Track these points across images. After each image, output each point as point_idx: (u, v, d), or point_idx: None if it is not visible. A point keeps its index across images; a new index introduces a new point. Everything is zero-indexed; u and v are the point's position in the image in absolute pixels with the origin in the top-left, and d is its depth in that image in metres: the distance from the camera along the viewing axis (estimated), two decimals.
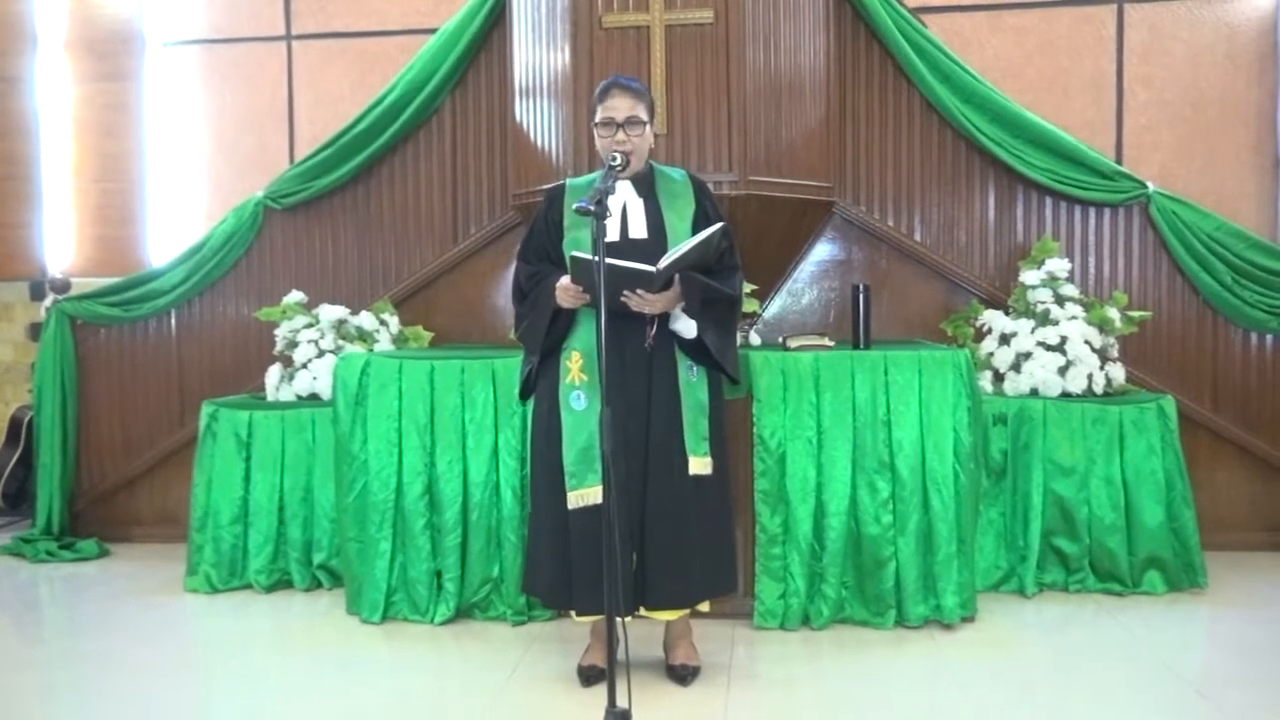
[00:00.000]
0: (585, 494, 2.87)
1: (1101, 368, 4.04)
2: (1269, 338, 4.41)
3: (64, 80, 5.47)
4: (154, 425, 4.86)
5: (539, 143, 4.15)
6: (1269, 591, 3.83)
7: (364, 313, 4.51)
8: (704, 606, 3.03)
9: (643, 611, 2.94)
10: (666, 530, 2.88)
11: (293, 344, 4.38)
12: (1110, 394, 4.05)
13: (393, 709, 2.86)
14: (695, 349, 2.92)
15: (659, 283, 2.75)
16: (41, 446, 4.73)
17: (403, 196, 4.77)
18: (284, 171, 4.82)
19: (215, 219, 4.92)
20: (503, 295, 4.70)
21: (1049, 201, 4.50)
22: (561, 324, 2.94)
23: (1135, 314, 4.20)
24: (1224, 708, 2.76)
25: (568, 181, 3.10)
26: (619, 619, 2.56)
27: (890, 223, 4.55)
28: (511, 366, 3.49)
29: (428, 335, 4.64)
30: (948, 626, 3.44)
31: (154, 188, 5.43)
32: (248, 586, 4.05)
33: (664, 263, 2.73)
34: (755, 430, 3.48)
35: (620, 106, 2.89)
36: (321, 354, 4.32)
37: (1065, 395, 3.97)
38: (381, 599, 3.61)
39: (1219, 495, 4.38)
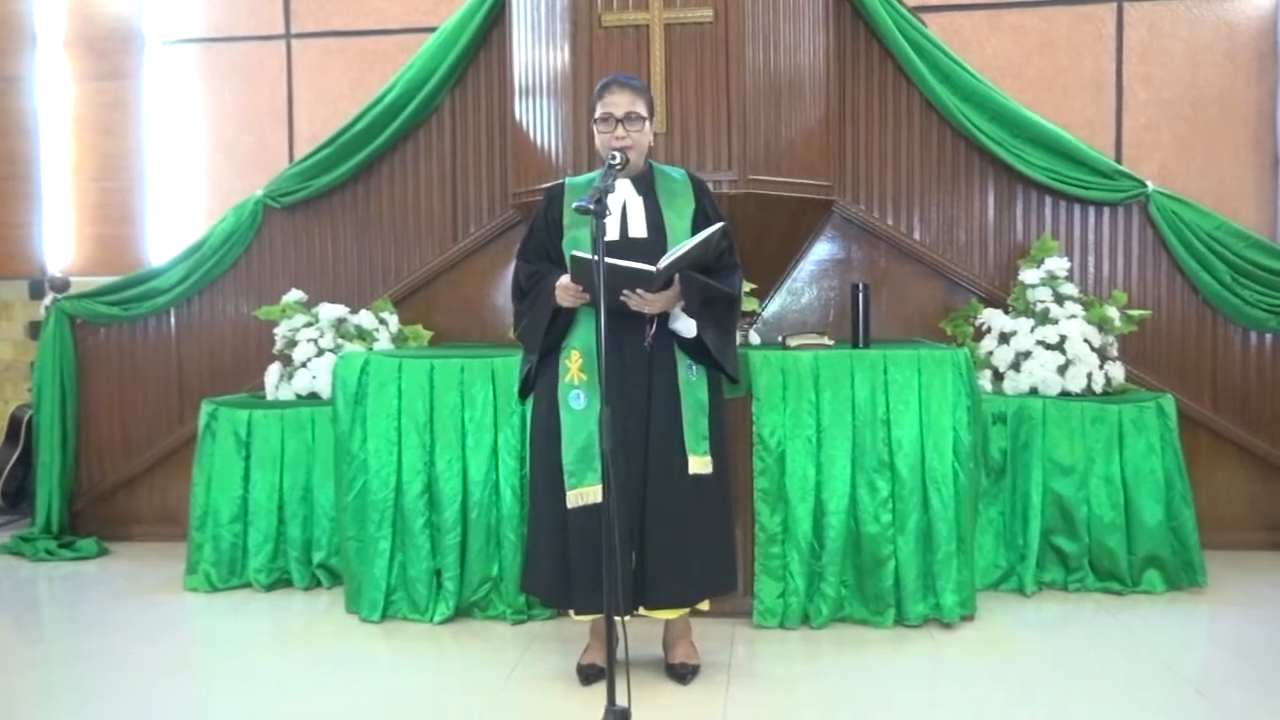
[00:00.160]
0: (584, 493, 2.87)
1: (1101, 367, 4.04)
2: (1268, 337, 4.41)
3: (63, 79, 5.47)
4: (153, 424, 4.86)
5: (538, 142, 4.14)
6: (1268, 590, 3.83)
7: (363, 311, 4.51)
8: (704, 605, 3.03)
9: (642, 611, 2.94)
10: (666, 529, 2.88)
11: (292, 343, 4.38)
12: (1110, 393, 4.05)
13: (392, 708, 2.86)
14: (695, 348, 2.92)
15: (659, 282, 2.75)
16: (41, 445, 4.73)
17: (402, 195, 4.77)
18: (283, 170, 4.82)
19: (214, 218, 4.92)
20: (502, 294, 4.70)
21: (1048, 200, 4.50)
22: (561, 323, 2.94)
23: (1135, 313, 4.20)
24: (1223, 707, 2.76)
25: (567, 180, 3.10)
26: (618, 618, 2.56)
27: (890, 222, 4.55)
28: (511, 365, 3.50)
29: (427, 334, 4.64)
30: (947, 625, 3.44)
31: (153, 187, 5.43)
32: (247, 585, 4.05)
33: (664, 262, 2.73)
34: (755, 429, 3.48)
35: (620, 102, 2.89)
36: (321, 353, 4.32)
37: (1065, 394, 3.98)
38: (381, 598, 3.61)
39: (1218, 494, 4.39)
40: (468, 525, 3.59)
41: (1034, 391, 4.00)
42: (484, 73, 4.65)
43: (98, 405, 4.86)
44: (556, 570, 2.93)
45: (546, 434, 2.97)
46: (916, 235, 4.56)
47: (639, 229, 2.93)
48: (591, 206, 2.50)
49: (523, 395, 3.14)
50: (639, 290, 2.75)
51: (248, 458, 4.09)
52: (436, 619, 3.57)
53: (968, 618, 3.50)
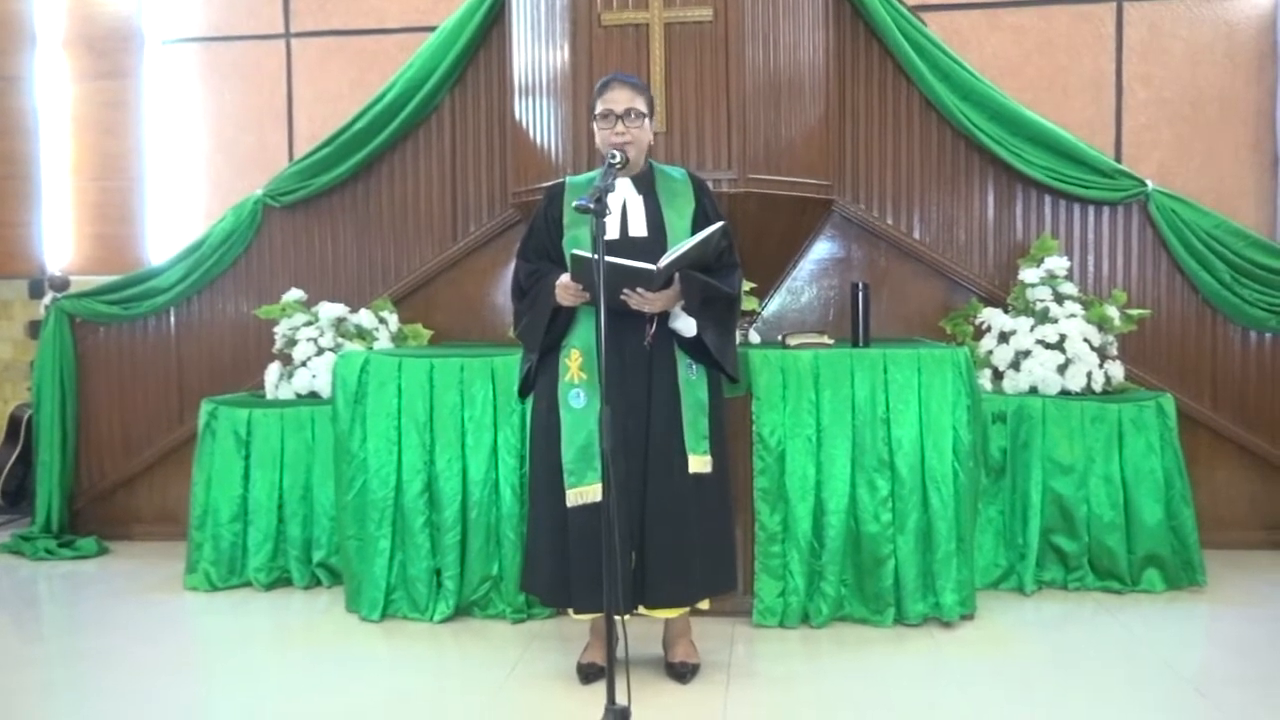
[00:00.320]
0: (584, 492, 2.87)
1: (1100, 366, 4.04)
2: (1268, 336, 4.41)
3: (63, 78, 5.47)
4: (153, 423, 4.85)
5: (538, 141, 4.14)
6: (1268, 590, 3.83)
7: (363, 311, 4.51)
8: (703, 604, 3.04)
9: (642, 610, 2.94)
10: (666, 528, 2.88)
11: (292, 342, 4.38)
12: (1109, 392, 4.05)
13: (392, 707, 2.86)
14: (695, 347, 2.92)
15: (659, 281, 2.75)
16: (41, 444, 4.73)
17: (402, 194, 4.77)
18: (283, 169, 4.82)
19: (214, 217, 4.92)
20: (502, 293, 4.70)
21: (1048, 200, 4.50)
22: (561, 322, 2.94)
23: (1134, 312, 4.20)
24: (1223, 706, 2.76)
25: (567, 179, 3.10)
26: (618, 617, 2.56)
27: (889, 221, 4.55)
28: (511, 364, 3.50)
29: (427, 333, 4.64)
30: (947, 624, 3.44)
31: (153, 186, 5.43)
32: (247, 584, 4.05)
33: (664, 261, 2.73)
34: (754, 428, 3.48)
35: (620, 98, 2.89)
36: (321, 352, 4.32)
37: (1064, 393, 3.98)
38: (381, 597, 3.61)
39: (1218, 493, 4.39)
40: (467, 524, 3.59)
41: (1034, 390, 4.00)
42: (484, 72, 4.65)
43: (97, 404, 4.86)
44: (556, 569, 2.93)
45: (546, 433, 2.97)
46: (916, 234, 4.56)
47: (639, 228, 2.93)
48: (591, 205, 2.50)
49: (523, 394, 3.14)
50: (639, 289, 2.75)
51: (247, 457, 4.09)
52: (436, 618, 3.57)
53: (967, 617, 3.50)
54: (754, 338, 4.24)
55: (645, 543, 2.89)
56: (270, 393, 4.37)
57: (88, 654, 3.33)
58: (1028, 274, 4.23)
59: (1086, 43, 4.78)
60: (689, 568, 2.91)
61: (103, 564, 4.51)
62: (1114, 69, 4.78)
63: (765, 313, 4.60)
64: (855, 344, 3.73)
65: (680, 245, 2.78)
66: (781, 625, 3.46)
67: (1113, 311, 4.11)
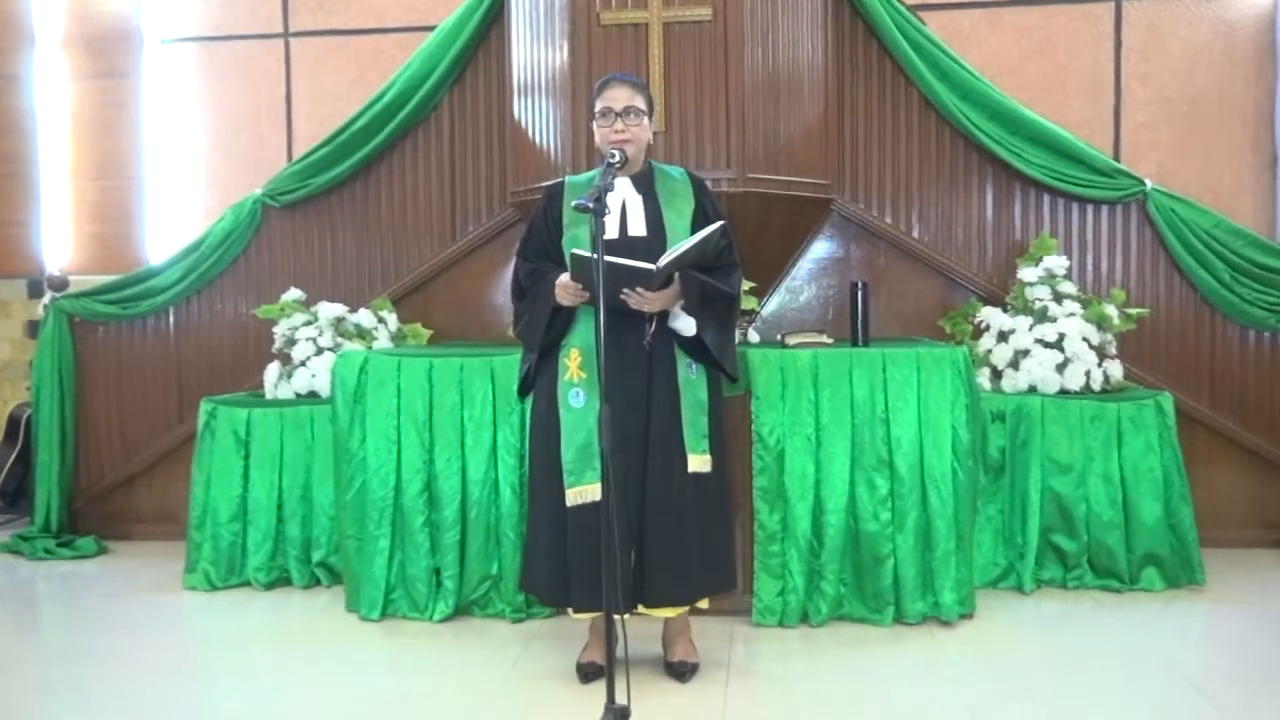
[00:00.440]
0: (584, 491, 2.88)
1: (1099, 365, 4.04)
2: (1267, 335, 4.41)
3: (61, 77, 5.47)
4: (152, 423, 4.85)
5: (537, 140, 4.14)
6: (1267, 588, 3.83)
7: (362, 310, 4.51)
8: (703, 603, 3.04)
9: (641, 609, 2.94)
10: (665, 528, 2.88)
11: (291, 341, 4.38)
12: (1108, 391, 4.05)
13: (392, 706, 2.86)
14: (694, 347, 2.93)
15: (658, 280, 2.75)
16: (40, 444, 4.72)
17: (401, 194, 4.77)
18: (282, 169, 4.82)
19: (213, 217, 4.91)
20: (501, 293, 4.70)
21: (1047, 199, 4.50)
22: (560, 321, 2.94)
23: (1133, 311, 4.20)
24: (1222, 704, 2.76)
25: (567, 179, 3.10)
26: (617, 616, 2.56)
27: (888, 220, 4.55)
28: (510, 364, 3.50)
29: (426, 333, 4.64)
30: (946, 623, 3.44)
31: (152, 185, 5.43)
32: (246, 584, 4.05)
33: (664, 260, 2.73)
34: (754, 428, 3.48)
35: (619, 96, 2.90)
36: (320, 351, 4.32)
37: (1063, 392, 3.98)
38: (380, 596, 3.61)
39: (1217, 492, 4.39)
40: (467, 524, 3.59)
41: (1032, 389, 4.00)
42: (483, 71, 4.64)
43: (96, 404, 4.85)
44: (556, 568, 2.94)
45: (546, 432, 2.97)
46: (915, 233, 4.56)
47: (638, 227, 2.93)
48: (591, 205, 2.50)
49: (522, 394, 3.14)
50: (638, 289, 2.75)
51: (247, 456, 4.09)
52: (436, 617, 3.57)
53: (967, 616, 3.50)
54: (753, 337, 4.24)
55: (644, 542, 2.89)
56: (269, 392, 4.37)
57: (87, 653, 3.33)
58: (1026, 273, 4.23)
59: (1086, 42, 4.78)
60: (688, 567, 2.91)
61: (102, 564, 4.51)
62: (1113, 68, 4.78)
63: (764, 312, 4.60)
64: (854, 343, 3.73)
65: (680, 244, 2.78)
66: (781, 624, 3.46)
67: (1111, 310, 4.11)
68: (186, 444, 4.54)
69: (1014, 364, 4.06)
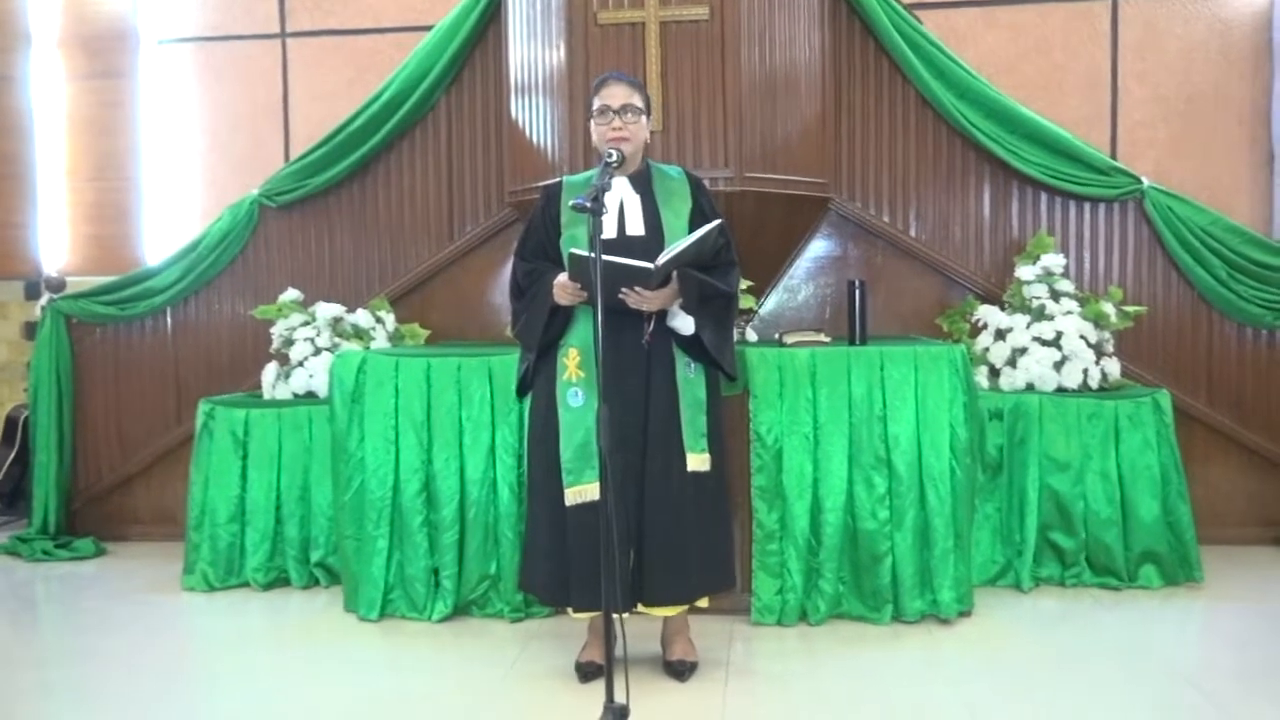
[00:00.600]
0: (582, 490, 2.88)
1: (1097, 363, 4.05)
2: (1264, 332, 4.42)
3: (58, 78, 5.46)
4: (150, 424, 4.85)
5: (535, 140, 4.14)
6: (1264, 585, 3.84)
7: (360, 310, 4.51)
8: (702, 602, 3.04)
9: (640, 608, 2.95)
10: (664, 527, 2.89)
11: (289, 342, 4.37)
12: (1105, 389, 4.06)
13: (391, 706, 2.86)
14: (693, 346, 2.93)
15: (657, 279, 2.75)
16: (37, 445, 4.72)
17: (398, 194, 4.77)
18: (279, 169, 4.81)
19: (210, 217, 4.91)
20: (499, 292, 4.69)
21: (1044, 197, 4.51)
22: (559, 321, 2.94)
23: (1130, 309, 4.20)
24: (1220, 701, 2.76)
25: (564, 179, 3.10)
26: (616, 615, 2.56)
27: (886, 219, 4.56)
28: (508, 364, 3.50)
29: (424, 333, 4.64)
30: (944, 621, 3.45)
31: (149, 186, 5.42)
32: (245, 585, 4.05)
33: (662, 259, 2.73)
34: (752, 426, 3.48)
35: (616, 94, 2.90)
36: (318, 352, 4.32)
37: (1061, 390, 3.98)
38: (379, 596, 3.61)
39: (1214, 490, 4.39)
40: (465, 523, 3.59)
41: (1030, 388, 4.00)
42: (480, 71, 4.64)
43: (94, 405, 4.85)
44: (554, 568, 2.94)
45: (544, 432, 2.97)
46: (913, 232, 4.56)
47: (636, 227, 2.93)
48: (588, 204, 2.51)
49: (521, 393, 3.14)
50: (637, 288, 2.75)
51: (245, 457, 4.09)
52: (435, 617, 3.57)
53: (965, 614, 3.50)
54: (751, 336, 4.24)
55: (644, 541, 2.89)
56: (267, 393, 4.37)
57: (85, 655, 3.33)
58: (1024, 271, 4.24)
59: (1082, 40, 4.78)
60: (687, 566, 2.92)
61: (100, 565, 4.50)
62: (1110, 67, 4.78)
63: (762, 311, 4.60)
64: (852, 342, 3.73)
65: (678, 243, 2.79)
66: (779, 623, 3.46)
67: (1109, 308, 4.12)
68: (184, 445, 4.54)
69: (1011, 362, 4.07)
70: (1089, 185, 4.40)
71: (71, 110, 5.46)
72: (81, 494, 4.85)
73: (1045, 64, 4.79)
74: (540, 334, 2.94)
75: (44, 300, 4.81)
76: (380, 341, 4.45)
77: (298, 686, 3.03)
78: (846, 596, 3.51)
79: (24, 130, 5.48)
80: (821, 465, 3.47)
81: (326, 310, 4.42)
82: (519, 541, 3.49)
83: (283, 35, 5.24)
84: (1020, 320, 4.11)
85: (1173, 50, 4.75)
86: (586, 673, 2.98)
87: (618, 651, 2.56)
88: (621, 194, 2.94)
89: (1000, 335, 4.14)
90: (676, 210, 2.97)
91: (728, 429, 3.15)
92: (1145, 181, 4.39)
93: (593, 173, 2.98)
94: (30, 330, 5.28)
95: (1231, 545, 4.30)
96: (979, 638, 3.34)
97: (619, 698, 2.42)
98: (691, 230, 2.90)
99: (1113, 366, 4.10)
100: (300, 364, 4.31)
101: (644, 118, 2.96)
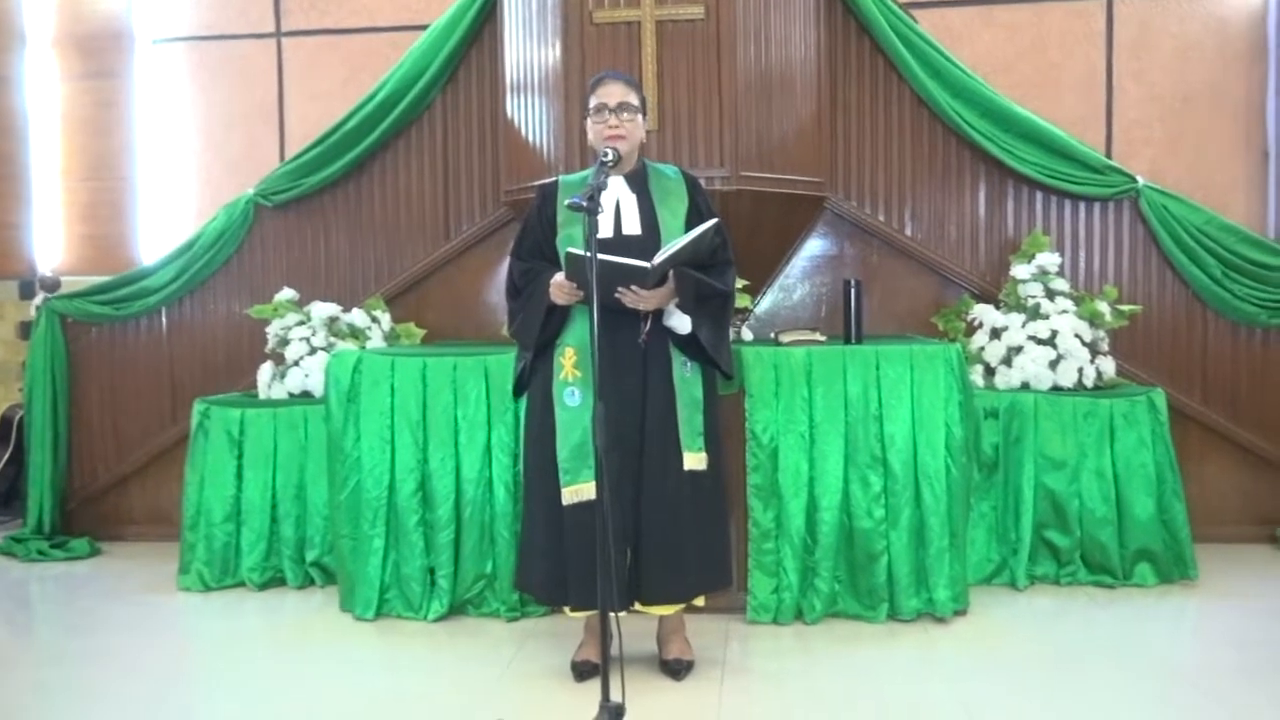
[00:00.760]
0: (579, 489, 2.88)
1: (1092, 361, 4.05)
2: (1258, 331, 4.42)
3: (52, 78, 5.45)
4: (146, 424, 4.84)
5: (530, 139, 4.14)
6: (1259, 583, 3.85)
7: (356, 310, 4.50)
8: (698, 601, 3.04)
9: (638, 606, 2.95)
10: (662, 525, 2.89)
11: (284, 341, 4.37)
12: (1101, 387, 4.06)
13: (387, 706, 2.86)
14: (689, 345, 2.93)
15: (653, 278, 2.75)
16: (32, 445, 4.71)
17: (394, 193, 4.76)
18: (274, 169, 4.81)
19: (206, 216, 4.91)
20: (494, 292, 4.69)
21: (1039, 196, 4.51)
22: (555, 320, 2.94)
23: (1125, 308, 4.21)
24: (1215, 699, 2.77)
25: (560, 178, 3.10)
26: (613, 614, 2.56)
27: (881, 218, 4.56)
28: (504, 363, 3.50)
29: (420, 332, 4.64)
30: (940, 620, 3.45)
31: (144, 185, 5.42)
32: (240, 585, 4.05)
33: (658, 258, 2.73)
34: (748, 425, 3.48)
35: (613, 92, 2.90)
36: (313, 351, 4.31)
37: (1056, 389, 3.99)
38: (375, 596, 3.61)
39: (1209, 488, 4.40)
40: (461, 523, 3.59)
41: (1025, 386, 4.01)
42: (476, 70, 4.64)
43: (89, 405, 4.84)
44: (552, 567, 2.94)
45: (541, 431, 2.97)
46: (908, 231, 4.57)
47: (633, 226, 2.93)
48: (584, 203, 2.51)
49: (517, 393, 3.14)
50: (633, 287, 2.75)
51: (240, 457, 4.09)
52: (431, 617, 3.57)
53: (960, 612, 3.51)
54: (747, 335, 4.24)
55: (641, 540, 2.89)
56: (263, 392, 4.36)
57: (81, 655, 3.32)
58: (1019, 270, 4.24)
59: (1078, 40, 4.79)
60: (684, 564, 2.92)
61: (95, 565, 4.50)
62: (1105, 66, 4.79)
63: (758, 310, 4.60)
64: (848, 341, 3.74)
65: (674, 243, 2.79)
66: (775, 622, 3.46)
67: (1104, 307, 4.12)
68: (180, 444, 4.54)
69: (1007, 361, 4.07)
70: (1084, 184, 4.41)
71: (66, 110, 5.45)
72: (77, 494, 4.84)
73: (1041, 63, 4.80)
74: (537, 333, 2.94)
75: (39, 300, 4.81)
76: (376, 341, 4.45)
77: (293, 687, 3.03)
78: (842, 595, 3.52)
79: (19, 130, 5.47)
80: (817, 464, 3.48)
81: (322, 310, 4.42)
82: (515, 541, 3.49)
83: (278, 35, 5.23)
84: (1015, 319, 4.11)
85: (1168, 49, 4.76)
86: (582, 672, 2.98)
87: (614, 650, 2.56)
88: (618, 193, 2.95)
89: (995, 334, 4.14)
90: (673, 209, 2.97)
91: (723, 428, 3.15)
92: (1140, 180, 4.40)
93: (589, 172, 2.98)
94: (25, 330, 5.27)
95: (1226, 543, 4.31)
96: (974, 636, 3.34)
97: (615, 697, 2.42)
98: (688, 229, 2.90)
99: (1108, 365, 4.11)
100: (296, 363, 4.30)
101: (640, 116, 2.96)
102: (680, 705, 2.82)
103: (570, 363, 2.93)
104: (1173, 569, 3.84)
